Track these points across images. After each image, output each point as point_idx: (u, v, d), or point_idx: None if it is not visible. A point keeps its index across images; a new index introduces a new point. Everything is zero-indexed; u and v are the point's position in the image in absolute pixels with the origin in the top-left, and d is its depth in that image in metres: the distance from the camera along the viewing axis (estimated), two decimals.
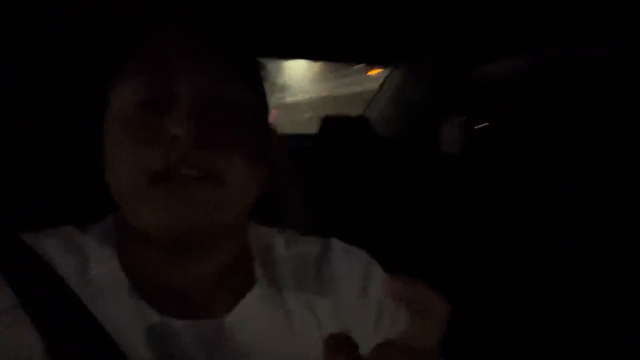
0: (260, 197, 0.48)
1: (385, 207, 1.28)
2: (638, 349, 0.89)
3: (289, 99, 5.97)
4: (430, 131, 1.45)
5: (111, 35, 0.49)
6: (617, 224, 1.00)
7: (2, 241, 0.44)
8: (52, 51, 0.51)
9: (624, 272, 0.97)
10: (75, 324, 0.41)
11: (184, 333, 0.43)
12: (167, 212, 0.41)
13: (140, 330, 0.42)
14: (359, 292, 0.51)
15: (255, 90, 0.48)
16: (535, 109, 1.28)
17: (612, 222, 1.01)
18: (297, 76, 6.04)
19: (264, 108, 0.49)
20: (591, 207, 1.04)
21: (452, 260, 1.14)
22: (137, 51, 0.45)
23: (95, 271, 0.44)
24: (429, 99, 1.51)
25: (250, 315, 0.46)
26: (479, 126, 1.44)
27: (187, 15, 0.47)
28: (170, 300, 0.45)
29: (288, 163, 0.56)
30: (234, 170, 0.43)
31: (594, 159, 1.07)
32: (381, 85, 1.71)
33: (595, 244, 1.00)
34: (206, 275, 0.46)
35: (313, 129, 1.39)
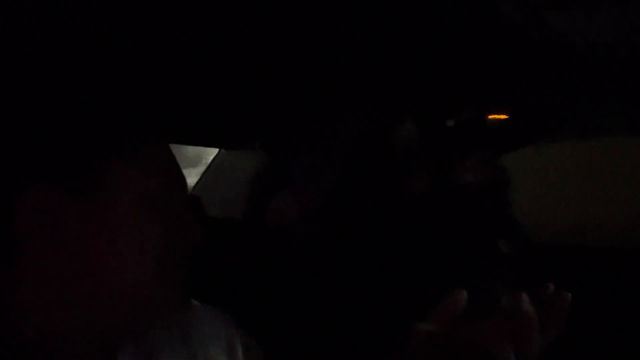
0: None
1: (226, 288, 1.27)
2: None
3: None
4: (260, 209, 1.49)
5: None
6: None
7: None
8: None
9: None
10: None
11: None
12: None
13: None
14: (226, 354, 0.53)
15: None
16: None
17: None
18: None
19: None
20: None
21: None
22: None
23: None
24: (258, 178, 1.56)
25: None
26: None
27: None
28: None
29: None
30: None
31: None
32: (209, 165, 1.74)
33: None
34: None
35: None
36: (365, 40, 0.79)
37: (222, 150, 1.69)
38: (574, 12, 0.68)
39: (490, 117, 0.96)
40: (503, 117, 0.95)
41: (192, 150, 1.89)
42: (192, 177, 1.82)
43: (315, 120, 1.27)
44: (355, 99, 1.15)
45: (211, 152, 1.75)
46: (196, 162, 1.90)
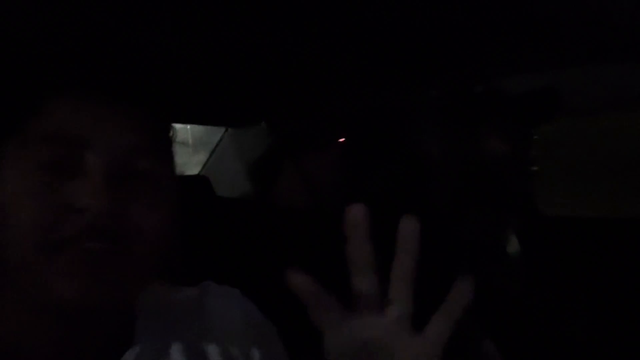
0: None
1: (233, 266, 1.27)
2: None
3: None
4: (268, 187, 1.49)
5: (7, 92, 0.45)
6: None
7: None
8: None
9: None
10: None
11: None
12: (70, 283, 0.38)
13: None
14: (239, 333, 0.52)
15: (166, 158, 0.47)
16: None
17: None
18: None
19: (173, 174, 0.49)
20: None
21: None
22: (40, 111, 0.42)
23: None
24: (266, 156, 1.56)
25: None
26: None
27: (101, 78, 0.45)
28: None
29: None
30: (143, 242, 0.41)
31: None
32: (217, 144, 1.74)
33: None
34: (88, 341, 0.43)
35: None
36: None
37: (229, 130, 1.69)
38: None
39: None
40: None
41: (199, 129, 1.89)
42: (200, 157, 1.83)
43: (322, 93, 1.26)
44: (362, 70, 1.14)
45: (219, 132, 1.75)
46: (204, 142, 1.90)
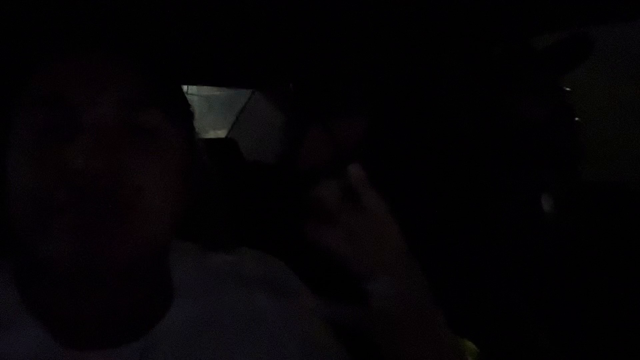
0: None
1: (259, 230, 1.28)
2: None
3: None
4: (295, 152, 1.48)
5: (10, 57, 0.45)
6: None
7: None
8: None
9: None
10: None
11: None
12: (68, 245, 0.38)
13: None
14: (275, 297, 0.52)
15: (170, 114, 0.46)
16: None
17: None
18: None
19: (183, 131, 0.47)
20: None
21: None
22: (35, 74, 0.43)
23: None
24: (292, 121, 1.55)
25: (171, 333, 0.45)
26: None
27: (94, 40, 0.45)
28: (81, 330, 0.43)
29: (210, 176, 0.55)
30: (144, 200, 0.41)
31: None
32: (243, 108, 1.73)
33: None
34: (118, 303, 0.44)
35: None
36: None
37: (256, 92, 1.68)
38: None
39: None
40: None
41: (226, 92, 1.88)
42: (227, 120, 1.82)
43: (348, 56, 1.24)
44: (388, 38, 1.10)
45: (246, 94, 1.73)
46: (230, 105, 1.89)
